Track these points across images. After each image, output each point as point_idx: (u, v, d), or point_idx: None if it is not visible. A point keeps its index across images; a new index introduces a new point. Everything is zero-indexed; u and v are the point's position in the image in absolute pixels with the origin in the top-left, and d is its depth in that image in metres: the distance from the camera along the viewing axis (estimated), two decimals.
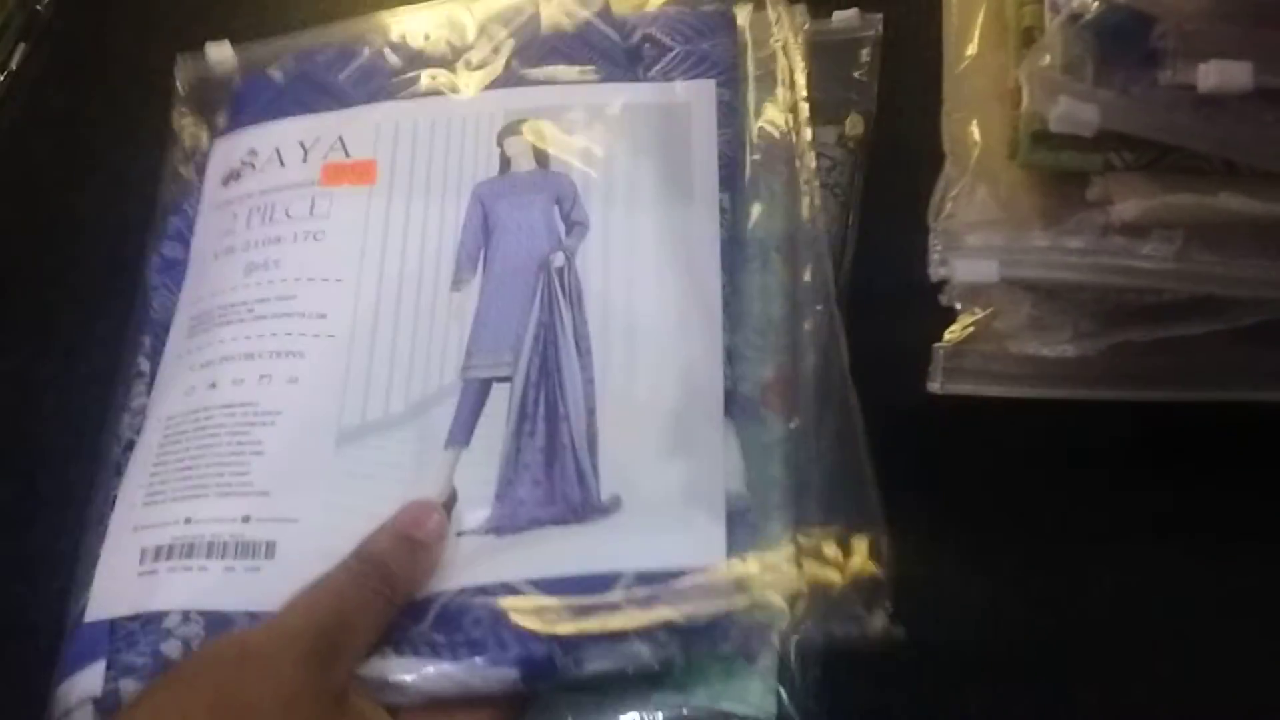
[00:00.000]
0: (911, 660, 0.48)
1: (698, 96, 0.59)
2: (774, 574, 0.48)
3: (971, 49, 0.52)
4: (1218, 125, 0.44)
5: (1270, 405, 0.51)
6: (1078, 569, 0.51)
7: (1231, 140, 0.44)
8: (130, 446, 0.56)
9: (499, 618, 0.48)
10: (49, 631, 0.53)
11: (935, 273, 0.48)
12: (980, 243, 0.48)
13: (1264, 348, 0.49)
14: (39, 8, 0.75)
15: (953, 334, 0.51)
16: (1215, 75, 0.42)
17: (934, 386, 0.51)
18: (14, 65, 0.73)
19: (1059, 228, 0.47)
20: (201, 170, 0.64)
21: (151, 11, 0.76)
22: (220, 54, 0.67)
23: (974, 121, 0.50)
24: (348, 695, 0.45)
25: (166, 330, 0.59)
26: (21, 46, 0.73)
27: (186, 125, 0.66)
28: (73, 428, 0.61)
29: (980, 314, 0.51)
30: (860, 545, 0.47)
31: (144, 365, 0.59)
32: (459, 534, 0.51)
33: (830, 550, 0.47)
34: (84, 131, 0.71)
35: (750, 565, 0.48)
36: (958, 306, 0.51)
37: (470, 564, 0.50)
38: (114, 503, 0.55)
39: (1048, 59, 0.45)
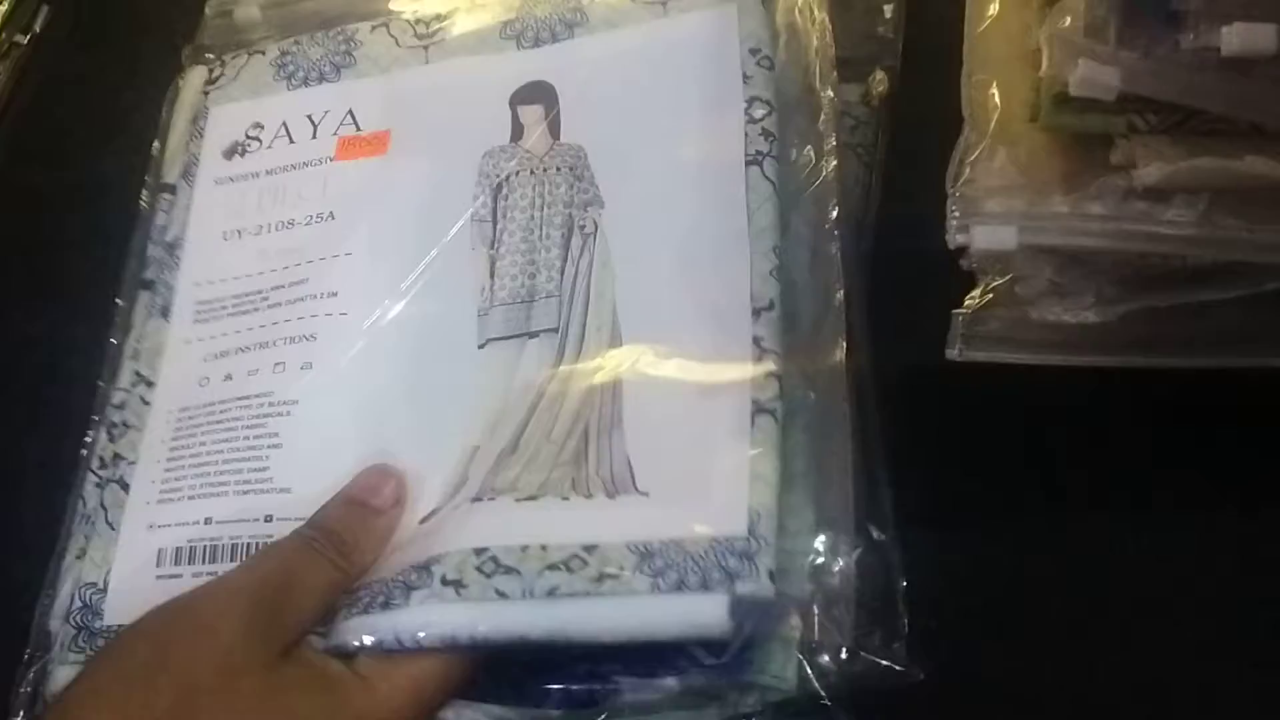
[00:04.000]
0: (932, 629, 0.47)
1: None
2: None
3: (993, 9, 0.51)
4: (1242, 88, 0.43)
5: None
6: (1099, 537, 0.51)
7: (1256, 103, 0.43)
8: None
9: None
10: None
11: (953, 240, 0.48)
12: (999, 209, 0.47)
13: None
14: None
15: (972, 300, 0.50)
16: (1239, 38, 0.42)
17: (952, 354, 0.50)
18: (37, 28, 0.72)
19: (1080, 193, 0.47)
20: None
21: None
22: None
23: (994, 84, 0.49)
24: (291, 651, 0.45)
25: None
26: (45, 9, 0.73)
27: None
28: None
29: (1000, 280, 0.50)
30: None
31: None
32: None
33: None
34: (108, 94, 0.70)
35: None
36: (978, 272, 0.50)
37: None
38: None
39: (1069, 20, 0.44)
